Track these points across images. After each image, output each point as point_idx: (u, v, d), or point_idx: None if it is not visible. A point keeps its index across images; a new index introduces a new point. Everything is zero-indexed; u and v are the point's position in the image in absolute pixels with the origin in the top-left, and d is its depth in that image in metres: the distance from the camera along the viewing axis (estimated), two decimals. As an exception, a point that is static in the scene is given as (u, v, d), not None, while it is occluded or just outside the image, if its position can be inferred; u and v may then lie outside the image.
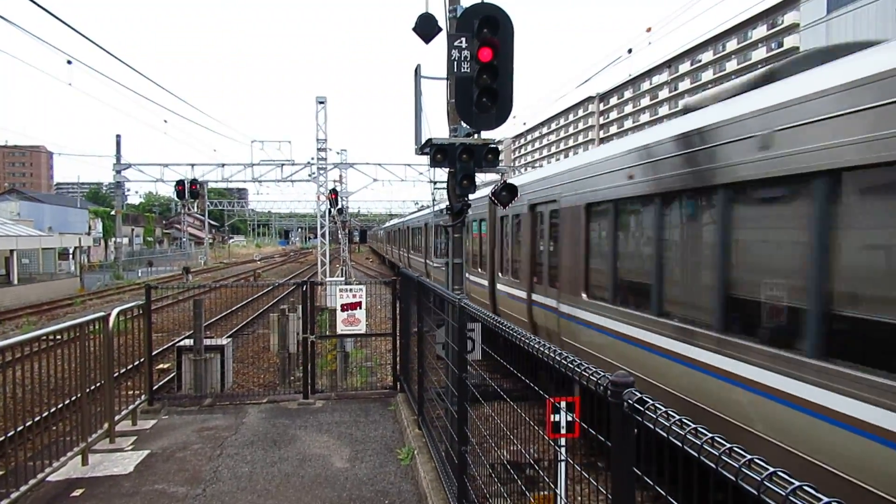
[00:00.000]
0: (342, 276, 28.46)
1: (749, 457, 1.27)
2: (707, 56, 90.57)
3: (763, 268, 4.13)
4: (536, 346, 2.62)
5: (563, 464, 3.48)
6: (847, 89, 3.30)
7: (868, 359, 3.17)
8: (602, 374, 1.96)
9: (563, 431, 3.24)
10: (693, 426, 1.48)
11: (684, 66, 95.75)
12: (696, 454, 1.42)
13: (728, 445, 1.36)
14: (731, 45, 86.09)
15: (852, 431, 3.13)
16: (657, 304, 5.47)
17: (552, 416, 3.18)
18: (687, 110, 5.95)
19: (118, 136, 35.33)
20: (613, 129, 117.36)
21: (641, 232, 6.15)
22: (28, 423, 5.36)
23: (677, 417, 1.55)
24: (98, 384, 6.34)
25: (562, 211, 8.06)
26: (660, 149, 5.54)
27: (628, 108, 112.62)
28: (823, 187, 3.47)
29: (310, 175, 31.70)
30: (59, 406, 5.95)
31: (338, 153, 36.80)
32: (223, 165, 32.86)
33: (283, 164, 32.09)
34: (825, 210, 3.47)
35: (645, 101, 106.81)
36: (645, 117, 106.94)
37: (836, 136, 3.31)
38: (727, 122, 4.39)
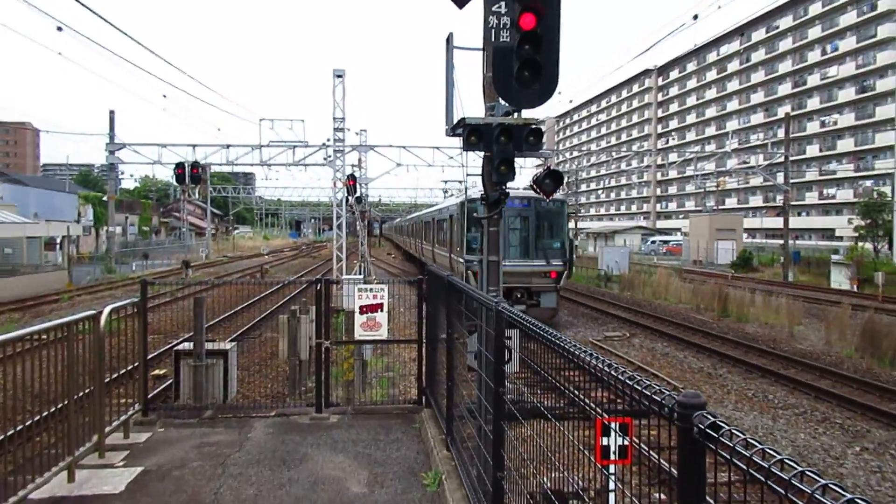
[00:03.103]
0: (360, 273, 28.66)
1: (849, 496, 1.22)
2: (786, 22, 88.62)
3: (431, 236, 26.78)
4: (586, 356, 2.58)
5: (613, 494, 3.43)
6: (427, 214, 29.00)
7: (423, 245, 28.41)
8: (666, 392, 1.91)
9: (614, 457, 3.19)
10: (778, 457, 1.43)
11: (758, 34, 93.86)
12: (782, 491, 1.36)
13: (823, 482, 1.30)
14: (815, 7, 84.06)
15: (431, 254, 25.85)
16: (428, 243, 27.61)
17: (602, 439, 3.14)
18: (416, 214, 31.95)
19: (112, 113, 36.01)
20: (674, 108, 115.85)
21: (423, 229, 29.68)
22: (9, 433, 5.47)
23: (759, 446, 1.49)
24: (87, 391, 6.46)
25: (445, 220, 22.79)
26: (431, 212, 28.47)
27: (691, 83, 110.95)
28: (427, 225, 27.61)
29: (325, 158, 31.93)
30: (44, 415, 6.06)
31: (357, 134, 37.07)
32: (228, 147, 33.32)
33: (294, 146, 32.41)
34: (430, 227, 26.52)
35: (711, 75, 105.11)
36: (711, 93, 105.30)
37: (429, 215, 27.90)
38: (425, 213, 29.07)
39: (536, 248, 19.50)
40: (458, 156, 35.20)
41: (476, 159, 7.15)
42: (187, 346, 9.06)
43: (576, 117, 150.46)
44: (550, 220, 20.17)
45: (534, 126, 6.38)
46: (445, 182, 75.25)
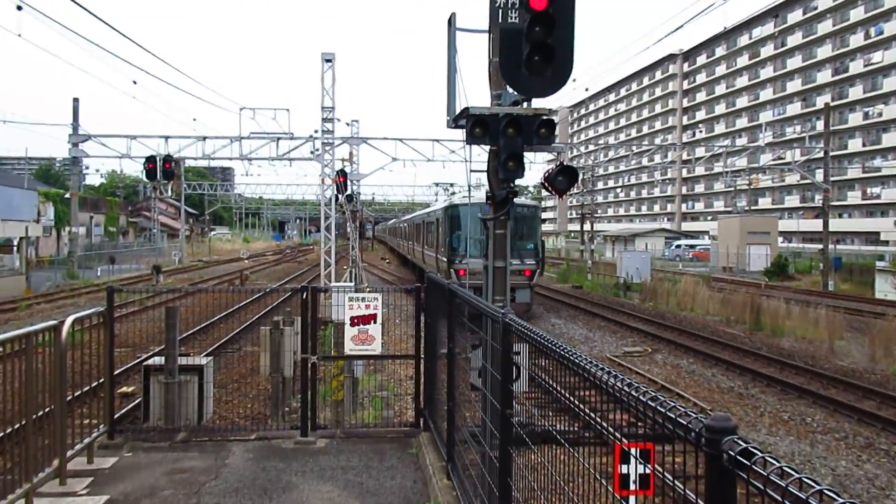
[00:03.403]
0: (351, 280, 28.66)
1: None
2: (825, 2, 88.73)
3: (421, 239, 32.88)
4: (603, 374, 2.59)
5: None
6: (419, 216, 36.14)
7: (413, 246, 36.43)
8: (693, 415, 1.92)
9: (634, 487, 3.19)
10: (817, 487, 1.43)
11: (795, 16, 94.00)
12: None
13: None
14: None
15: (420, 255, 32.67)
16: (417, 245, 34.67)
17: (621, 467, 3.14)
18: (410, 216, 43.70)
19: (76, 101, 36.10)
20: (701, 97, 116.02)
21: (414, 232, 36.77)
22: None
23: (796, 475, 1.50)
24: (46, 410, 6.47)
25: (432, 223, 28.59)
26: (420, 216, 36.42)
27: (721, 70, 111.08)
28: (418, 227, 34.48)
29: (312, 152, 32.03)
30: (-1, 437, 6.07)
31: (347, 125, 37.23)
32: (204, 139, 33.40)
33: (278, 138, 32.48)
34: (418, 231, 34.47)
35: (743, 61, 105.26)
36: (742, 81, 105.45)
37: (418, 218, 36.21)
38: (417, 215, 38.03)
39: (512, 248, 20.08)
40: (461, 150, 35.22)
41: (481, 154, 7.18)
42: (158, 360, 9.07)
43: (592, 107, 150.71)
44: (525, 224, 24.53)
45: (545, 117, 6.40)
46: (437, 185, 75.73)
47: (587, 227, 56.02)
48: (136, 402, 10.99)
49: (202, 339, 18.62)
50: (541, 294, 34.94)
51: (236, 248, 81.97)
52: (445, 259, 24.83)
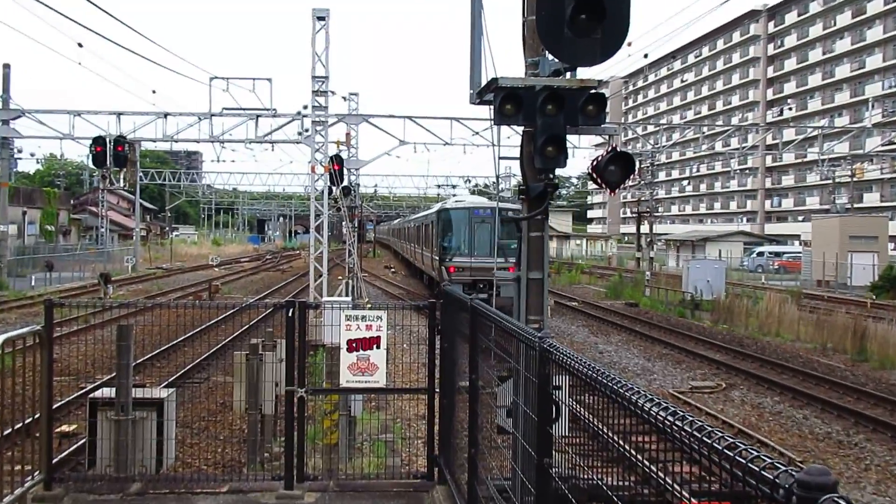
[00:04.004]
0: (348, 294, 28.72)
1: None
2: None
3: (416, 240, 46.39)
4: (665, 415, 2.59)
5: None
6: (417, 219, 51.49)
7: (408, 247, 52.68)
8: (781, 467, 1.92)
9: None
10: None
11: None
12: None
13: None
14: None
15: (418, 254, 45.71)
16: (414, 245, 48.38)
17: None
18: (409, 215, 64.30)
19: (6, 67, 36.44)
20: (791, 65, 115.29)
21: (411, 234, 51.55)
22: None
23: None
24: (-31, 454, 6.52)
25: (429, 225, 39.14)
26: (416, 219, 51.14)
27: (815, 31, 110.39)
28: (417, 228, 47.24)
29: (300, 133, 32.17)
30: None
31: (344, 99, 37.31)
32: (166, 116, 33.66)
33: (258, 115, 32.69)
34: (415, 231, 48.57)
35: (844, 19, 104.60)
36: (844, 45, 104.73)
37: (416, 221, 50.86)
38: (416, 217, 53.37)
39: (501, 247, 29.96)
40: (486, 131, 35.26)
41: (512, 136, 7.19)
42: (107, 392, 9.13)
43: (652, 78, 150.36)
44: (509, 226, 28.93)
45: (594, 90, 6.41)
46: (439, 186, 76.75)
47: (644, 229, 55.84)
48: (80, 443, 11.06)
49: (162, 366, 18.74)
50: (585, 314, 34.89)
51: (204, 252, 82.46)
52: (438, 258, 34.63)
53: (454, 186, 78.14)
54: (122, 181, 48.81)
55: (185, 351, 20.54)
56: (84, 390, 14.47)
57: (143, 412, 8.91)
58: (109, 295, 35.04)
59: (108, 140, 29.87)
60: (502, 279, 7.87)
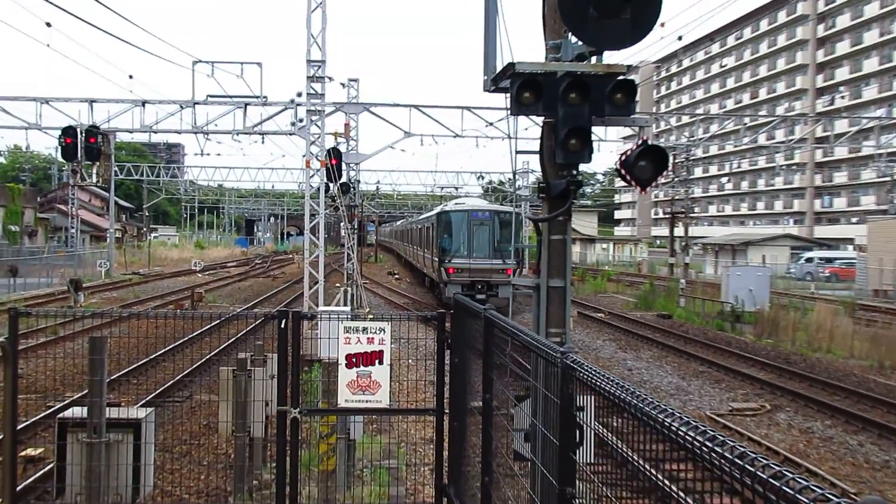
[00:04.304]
0: (347, 303, 28.71)
1: None
2: None
3: (418, 242, 52.76)
4: (702, 441, 2.58)
5: None
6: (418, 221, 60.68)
7: (411, 249, 59.47)
8: (834, 499, 1.91)
9: None
10: None
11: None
12: None
13: None
14: None
15: (419, 256, 51.59)
16: (416, 247, 55.14)
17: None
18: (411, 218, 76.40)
19: (-34, 52, 36.59)
20: (843, 48, 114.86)
21: (413, 236, 58.25)
22: None
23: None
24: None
25: (429, 227, 44.36)
26: (418, 221, 58.26)
27: (871, 9, 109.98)
28: (413, 231, 58.86)
29: (293, 123, 32.17)
30: None
31: (343, 86, 37.30)
32: (144, 104, 33.73)
33: (246, 104, 32.73)
34: (416, 234, 55.35)
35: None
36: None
37: (417, 223, 58.35)
38: (418, 219, 61.21)
39: (496, 250, 38.24)
40: (502, 122, 35.33)
41: (530, 128, 7.20)
42: (78, 412, 9.15)
43: (687, 63, 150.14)
44: (507, 228, 38.34)
45: (622, 77, 6.41)
46: (442, 188, 78.05)
47: (679, 231, 55.72)
48: (48, 469, 11.09)
49: (139, 383, 18.77)
50: (612, 326, 34.88)
51: (186, 256, 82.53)
52: (437, 259, 39.39)
53: (456, 189, 79.53)
54: (94, 176, 49.10)
55: (165, 366, 20.59)
56: (52, 409, 14.51)
57: (118, 434, 8.92)
58: (80, 303, 35.16)
59: (79, 130, 29.98)
60: (521, 284, 7.87)
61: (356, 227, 41.14)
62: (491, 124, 36.05)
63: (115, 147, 65.66)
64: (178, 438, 14.24)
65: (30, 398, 15.34)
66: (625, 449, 3.61)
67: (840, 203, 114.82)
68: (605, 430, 4.47)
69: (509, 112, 6.68)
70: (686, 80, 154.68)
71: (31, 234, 77.25)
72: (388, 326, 8.45)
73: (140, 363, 19.93)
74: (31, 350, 20.16)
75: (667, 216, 62.94)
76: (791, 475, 2.17)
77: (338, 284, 34.92)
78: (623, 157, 7.15)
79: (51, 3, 26.07)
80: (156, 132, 36.46)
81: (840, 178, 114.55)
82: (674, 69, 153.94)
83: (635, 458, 3.44)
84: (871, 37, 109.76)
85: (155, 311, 25.22)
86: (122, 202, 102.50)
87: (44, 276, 48.98)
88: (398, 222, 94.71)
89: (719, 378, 23.77)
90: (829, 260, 74.48)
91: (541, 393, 4.94)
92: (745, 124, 56.27)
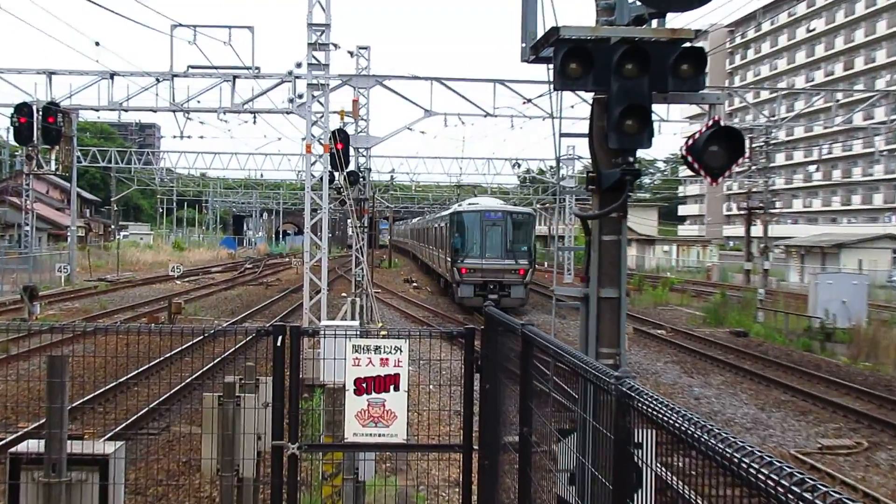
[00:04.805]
0: (355, 317, 28.74)
1: None
2: None
3: (434, 242, 65.15)
4: (787, 485, 2.58)
5: None
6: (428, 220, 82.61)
7: (426, 249, 73.35)
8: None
9: None
10: None
11: None
12: None
13: None
14: None
15: (434, 256, 65.06)
16: (430, 246, 69.29)
17: None
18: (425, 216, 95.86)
19: None
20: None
21: (424, 236, 77.68)
22: None
23: None
24: None
25: (443, 226, 56.77)
26: (433, 220, 73.18)
27: None
28: (429, 230, 73.51)
29: (291, 100, 32.23)
30: None
31: (352, 55, 37.28)
32: (112, 76, 33.93)
33: (235, 76, 32.84)
34: (431, 233, 69.36)
35: None
36: None
37: (432, 222, 73.36)
38: (431, 219, 78.04)
39: (508, 250, 45.82)
40: (543, 99, 35.25)
41: (578, 105, 7.18)
42: (34, 446, 9.20)
43: (766, 27, 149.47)
44: (520, 229, 47.51)
45: (689, 44, 6.39)
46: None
47: (757, 231, 55.51)
48: (-4, 514, 11.16)
49: (106, 412, 18.86)
50: (676, 345, 34.82)
51: (162, 259, 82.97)
52: (450, 259, 47.83)
53: (473, 189, 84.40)
54: (53, 163, 49.25)
55: (137, 391, 20.66)
56: (2, 443, 14.60)
57: (82, 473, 8.97)
58: (36, 315, 35.33)
59: (35, 108, 30.12)
60: (566, 295, 7.85)
61: (366, 224, 41.04)
62: (529, 101, 36.02)
63: (78, 128, 66.04)
64: (153, 478, 14.30)
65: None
66: (692, 494, 3.60)
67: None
68: (667, 472, 4.46)
69: (552, 87, 6.66)
70: (766, 48, 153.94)
71: (-22, 232, 77.73)
72: (406, 345, 8.46)
73: (108, 387, 20.02)
74: (-23, 371, 20.30)
75: (742, 212, 62.59)
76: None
77: (344, 294, 35.04)
78: (690, 141, 7.13)
79: (2, -44, 26.24)
80: (127, 110, 36.53)
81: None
82: (751, 34, 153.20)
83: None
84: None
85: (125, 324, 25.31)
86: (85, 194, 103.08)
87: (-7, 283, 49.33)
88: (414, 220, 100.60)
89: (806, 409, 23.68)
90: (941, 267, 73.98)
91: (590, 426, 4.93)
92: (838, 101, 56.07)
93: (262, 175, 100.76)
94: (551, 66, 6.52)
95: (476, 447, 8.71)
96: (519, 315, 38.84)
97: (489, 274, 44.73)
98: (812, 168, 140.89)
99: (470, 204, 53.85)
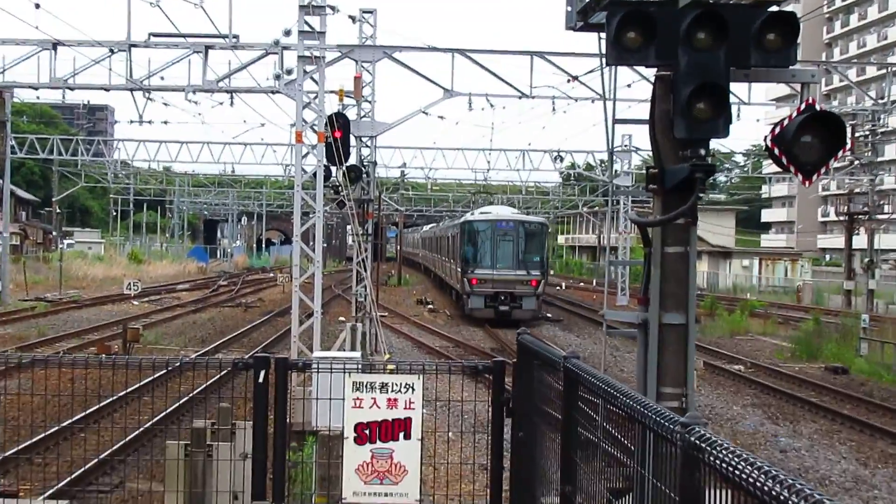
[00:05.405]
0: (356, 346, 28.76)
1: None
2: None
3: (441, 251, 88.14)
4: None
5: None
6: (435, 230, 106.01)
7: (439, 260, 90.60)
8: None
9: None
10: None
11: None
12: None
13: None
14: None
15: (445, 267, 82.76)
16: (442, 257, 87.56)
17: None
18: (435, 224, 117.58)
19: None
20: None
21: (437, 246, 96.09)
22: None
23: None
24: None
25: (454, 236, 72.79)
26: (444, 228, 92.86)
27: None
28: (441, 239, 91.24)
29: (277, 77, 32.27)
30: None
31: (353, 20, 37.29)
32: (55, 47, 34.06)
33: (207, 46, 32.89)
34: (443, 242, 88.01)
35: None
36: None
37: (443, 231, 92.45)
38: (443, 227, 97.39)
39: (520, 261, 56.03)
40: (592, 76, 35.26)
41: (636, 84, 7.17)
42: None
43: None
44: (532, 239, 58.26)
45: (776, 8, 6.41)
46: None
47: (860, 241, 55.41)
48: None
49: (46, 463, 18.93)
50: (757, 384, 34.79)
51: (116, 273, 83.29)
52: (460, 270, 57.04)
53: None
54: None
55: (85, 438, 20.71)
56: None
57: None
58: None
59: (-40, 86, 30.34)
60: (619, 321, 7.85)
61: (370, 232, 40.74)
62: (575, 79, 35.93)
63: (12, 110, 66.36)
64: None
65: None
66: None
67: None
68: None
69: (604, 61, 6.69)
70: (873, 13, 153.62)
71: None
72: (420, 382, 8.46)
73: (48, 433, 20.08)
74: None
75: (842, 218, 62.61)
76: None
77: (342, 318, 35.15)
78: (777, 130, 7.12)
79: None
80: (73, 88, 36.62)
81: None
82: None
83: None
84: None
85: (69, 355, 25.36)
86: (20, 192, 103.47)
87: None
88: (426, 227, 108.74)
89: (921, 465, 23.64)
90: None
91: (650, 485, 4.95)
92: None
93: (236, 171, 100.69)
94: (603, 34, 6.50)
95: (506, 509, 8.73)
96: (552, 341, 41.85)
97: (500, 285, 53.94)
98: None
99: (482, 213, 64.88)
